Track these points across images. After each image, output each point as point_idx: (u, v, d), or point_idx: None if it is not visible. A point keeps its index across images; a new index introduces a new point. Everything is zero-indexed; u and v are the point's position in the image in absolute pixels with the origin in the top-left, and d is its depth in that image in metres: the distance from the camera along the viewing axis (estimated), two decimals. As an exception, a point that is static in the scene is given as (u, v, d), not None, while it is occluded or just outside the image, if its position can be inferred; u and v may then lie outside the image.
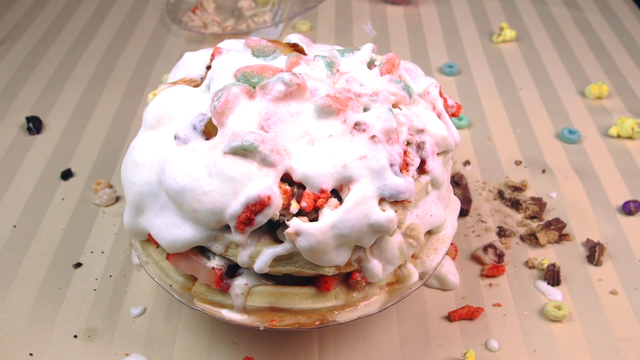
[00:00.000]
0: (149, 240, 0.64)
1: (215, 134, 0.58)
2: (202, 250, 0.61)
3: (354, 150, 0.55)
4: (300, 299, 0.60)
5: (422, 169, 0.61)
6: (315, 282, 0.60)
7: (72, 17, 1.29)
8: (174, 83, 0.69)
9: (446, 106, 0.67)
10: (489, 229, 0.83)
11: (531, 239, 0.81)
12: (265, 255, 0.56)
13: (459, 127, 1.00)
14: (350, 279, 0.60)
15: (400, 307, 0.73)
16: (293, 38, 0.70)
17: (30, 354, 0.67)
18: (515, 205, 0.86)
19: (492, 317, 0.72)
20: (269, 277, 0.61)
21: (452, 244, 0.75)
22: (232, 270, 0.62)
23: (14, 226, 0.82)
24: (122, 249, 0.79)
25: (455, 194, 0.85)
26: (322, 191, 0.54)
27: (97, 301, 0.73)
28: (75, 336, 0.69)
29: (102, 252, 0.79)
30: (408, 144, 0.60)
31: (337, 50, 0.67)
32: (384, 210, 0.54)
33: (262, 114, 0.57)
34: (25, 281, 0.75)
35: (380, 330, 0.70)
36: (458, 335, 0.70)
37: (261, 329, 0.60)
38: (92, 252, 0.78)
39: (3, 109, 1.03)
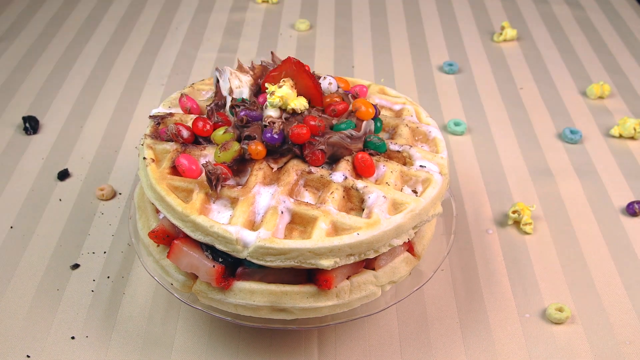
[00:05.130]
0: (150, 237, 0.64)
1: None
2: (202, 248, 0.61)
3: None
4: (301, 297, 0.60)
5: None
6: (316, 280, 0.60)
7: (70, 16, 1.28)
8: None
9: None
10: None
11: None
12: None
13: (455, 133, 0.99)
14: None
15: (400, 307, 0.72)
16: None
17: (28, 356, 0.66)
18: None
19: (494, 319, 0.71)
20: (270, 275, 0.61)
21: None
22: (233, 268, 0.61)
23: (11, 227, 0.81)
24: (120, 250, 0.78)
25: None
26: None
27: (94, 302, 0.72)
28: (73, 338, 0.69)
29: (100, 254, 0.78)
30: None
31: None
32: None
33: None
34: (23, 282, 0.74)
35: (380, 331, 0.70)
36: (458, 336, 0.70)
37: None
38: (89, 253, 0.78)
39: (0, 108, 1.02)
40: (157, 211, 0.66)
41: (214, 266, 0.59)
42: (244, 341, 0.69)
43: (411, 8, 1.34)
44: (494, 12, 1.33)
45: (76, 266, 0.76)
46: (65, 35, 1.22)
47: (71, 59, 1.15)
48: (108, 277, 0.75)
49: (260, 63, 0.73)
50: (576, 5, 1.36)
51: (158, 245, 0.65)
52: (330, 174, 0.63)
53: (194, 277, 0.63)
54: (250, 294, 0.60)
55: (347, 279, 0.62)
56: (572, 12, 1.34)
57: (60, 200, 0.85)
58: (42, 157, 0.93)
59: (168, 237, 0.63)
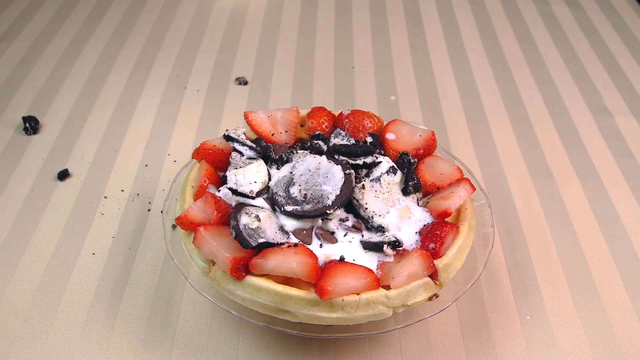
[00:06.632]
0: (176, 223, 0.66)
1: None
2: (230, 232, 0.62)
3: None
4: (305, 304, 0.60)
5: None
6: (316, 288, 0.60)
7: (69, 16, 1.28)
8: None
9: None
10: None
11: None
12: None
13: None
14: None
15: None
16: None
17: (28, 357, 0.66)
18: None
19: (494, 323, 0.71)
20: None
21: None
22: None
23: (11, 227, 0.81)
24: (120, 252, 0.78)
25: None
26: None
27: (94, 304, 0.72)
28: (73, 339, 0.68)
29: (100, 254, 0.78)
30: None
31: None
32: None
33: None
34: (23, 283, 0.74)
35: (382, 347, 0.70)
36: (459, 338, 0.69)
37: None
38: (89, 254, 0.78)
39: (0, 108, 1.02)
40: (195, 197, 0.69)
41: (229, 256, 0.60)
42: (243, 342, 0.69)
43: (411, 8, 1.34)
44: (494, 12, 1.33)
45: (76, 267, 0.76)
46: (65, 35, 1.22)
47: (71, 59, 1.15)
48: (108, 279, 0.75)
49: None
50: (576, 6, 1.36)
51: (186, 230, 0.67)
52: None
53: (214, 264, 0.64)
54: (257, 291, 0.61)
55: (357, 294, 0.61)
56: (572, 12, 1.34)
57: (60, 200, 0.85)
58: (42, 157, 0.92)
59: (192, 223, 0.65)
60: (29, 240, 0.79)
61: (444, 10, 1.33)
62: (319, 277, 0.60)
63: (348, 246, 0.64)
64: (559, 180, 0.90)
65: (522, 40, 1.24)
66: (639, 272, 0.77)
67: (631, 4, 1.38)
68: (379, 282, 0.61)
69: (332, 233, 0.66)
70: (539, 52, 1.20)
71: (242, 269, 0.61)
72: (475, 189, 0.71)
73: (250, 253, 0.61)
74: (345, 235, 0.65)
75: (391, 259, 0.64)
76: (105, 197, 0.86)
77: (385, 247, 0.64)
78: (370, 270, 0.61)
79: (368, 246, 0.64)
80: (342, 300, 0.60)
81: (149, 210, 0.84)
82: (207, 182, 0.69)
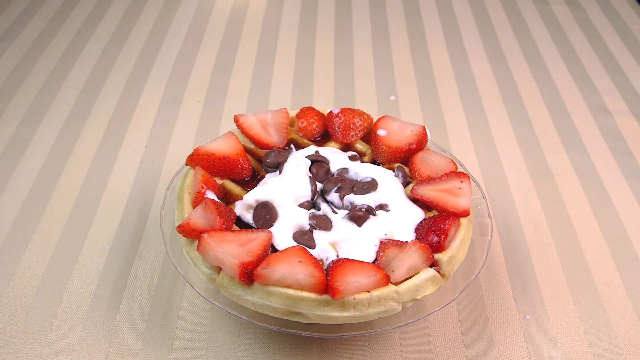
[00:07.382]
0: (178, 232, 0.66)
1: None
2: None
3: None
4: (317, 305, 0.60)
5: None
6: (328, 288, 0.60)
7: (69, 16, 1.28)
8: None
9: None
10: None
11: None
12: None
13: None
14: None
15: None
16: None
17: (28, 357, 0.66)
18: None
19: (494, 322, 0.71)
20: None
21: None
22: None
23: (11, 227, 0.81)
24: (120, 252, 0.78)
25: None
26: None
27: (94, 304, 0.72)
28: (73, 339, 0.68)
29: (101, 254, 0.78)
30: None
31: None
32: None
33: None
34: (23, 282, 0.74)
35: (382, 347, 0.70)
36: (459, 338, 0.69)
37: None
38: (89, 254, 0.78)
39: (0, 108, 1.02)
40: (193, 204, 0.68)
41: (237, 262, 0.60)
42: (243, 342, 0.69)
43: (411, 8, 1.34)
44: (494, 12, 1.33)
45: (77, 266, 0.76)
46: (65, 35, 1.22)
47: (71, 59, 1.15)
48: (108, 279, 0.75)
49: None
50: (576, 5, 1.36)
51: (187, 238, 0.67)
52: None
53: (220, 270, 0.64)
54: (267, 295, 0.61)
55: (368, 292, 0.61)
56: (572, 12, 1.34)
57: (60, 200, 0.85)
58: (42, 157, 0.93)
59: (194, 231, 0.64)
60: (29, 240, 0.80)
61: (444, 11, 1.33)
62: (325, 289, 0.60)
63: (345, 227, 0.66)
64: (559, 180, 0.91)
65: (522, 40, 1.24)
66: (639, 272, 0.77)
67: (631, 4, 1.38)
68: (388, 278, 0.61)
69: (326, 219, 0.67)
70: (538, 51, 1.20)
71: (251, 274, 0.61)
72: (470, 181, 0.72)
73: (258, 258, 0.61)
74: (342, 218, 0.67)
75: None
76: (106, 197, 0.86)
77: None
78: (378, 267, 0.61)
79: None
80: (354, 298, 0.60)
81: (149, 210, 0.84)
82: (205, 188, 0.68)
